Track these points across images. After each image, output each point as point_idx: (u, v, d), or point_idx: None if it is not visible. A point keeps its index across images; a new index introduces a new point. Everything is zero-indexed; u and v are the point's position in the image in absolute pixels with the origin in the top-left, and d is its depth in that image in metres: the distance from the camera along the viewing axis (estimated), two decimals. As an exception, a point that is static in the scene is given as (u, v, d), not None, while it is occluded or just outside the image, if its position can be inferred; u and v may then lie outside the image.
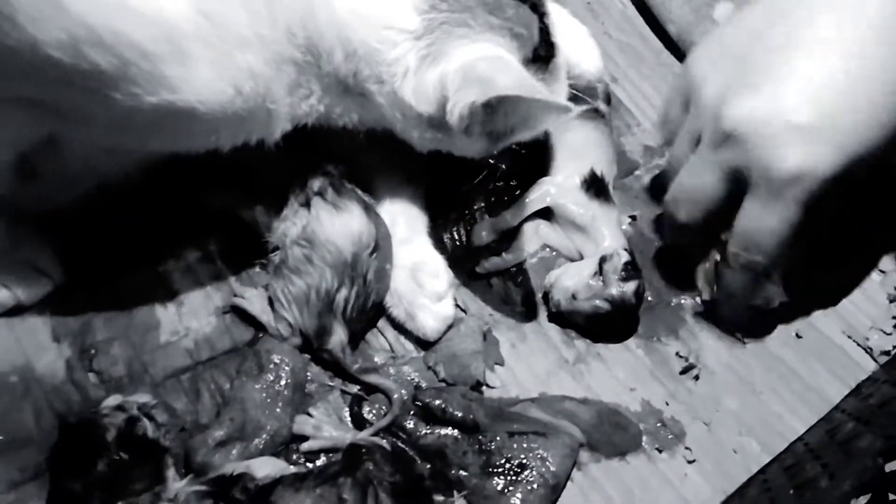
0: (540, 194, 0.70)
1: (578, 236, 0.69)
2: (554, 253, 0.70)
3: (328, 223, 0.61)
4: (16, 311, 0.62)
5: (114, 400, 0.57)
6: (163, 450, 0.56)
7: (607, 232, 0.68)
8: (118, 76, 0.48)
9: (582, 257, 0.69)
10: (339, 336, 0.61)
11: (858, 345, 0.68)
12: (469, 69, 0.53)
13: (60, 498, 0.53)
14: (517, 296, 0.68)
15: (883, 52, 0.55)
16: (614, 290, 0.64)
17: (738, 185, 0.58)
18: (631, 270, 0.65)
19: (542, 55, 0.58)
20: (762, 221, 0.58)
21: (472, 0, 0.55)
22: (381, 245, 0.62)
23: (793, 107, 0.55)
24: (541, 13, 0.59)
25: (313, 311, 0.61)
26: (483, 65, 0.53)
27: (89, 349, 0.61)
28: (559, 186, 0.70)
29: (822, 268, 0.69)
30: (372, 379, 0.62)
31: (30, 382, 0.60)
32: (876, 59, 0.55)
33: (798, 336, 0.68)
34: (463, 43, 0.54)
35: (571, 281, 0.65)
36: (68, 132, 0.55)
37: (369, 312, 0.63)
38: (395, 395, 0.61)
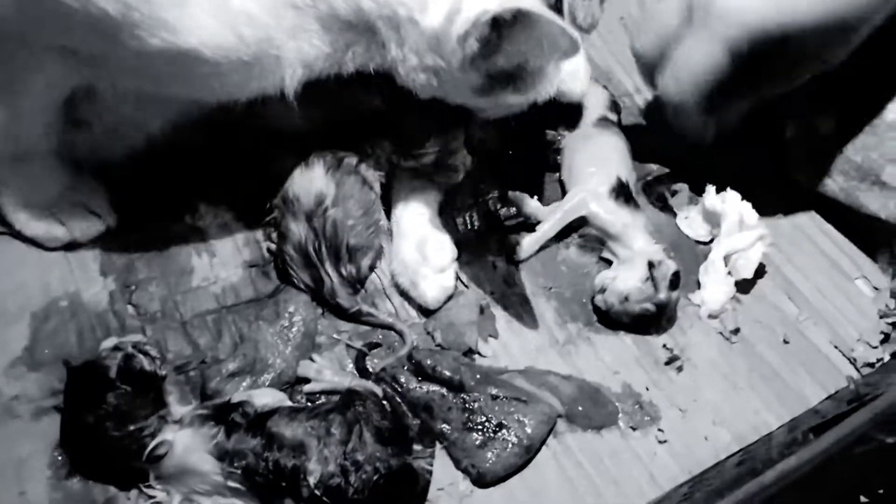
0: (577, 203, 0.73)
1: (610, 241, 0.74)
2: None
3: (297, 179, 0.68)
4: (72, 246, 0.71)
5: (110, 342, 0.63)
6: (160, 379, 0.62)
7: (639, 236, 0.72)
8: (122, 20, 0.53)
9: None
10: (327, 283, 0.68)
11: (843, 355, 0.71)
12: None
13: (76, 431, 0.60)
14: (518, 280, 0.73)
15: None
16: (663, 295, 0.69)
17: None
18: (676, 281, 0.70)
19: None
20: (689, 56, 0.65)
21: None
22: (340, 201, 0.68)
23: None
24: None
25: (301, 266, 0.68)
26: None
27: (130, 285, 0.70)
28: (593, 195, 0.73)
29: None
30: (375, 320, 0.69)
31: (77, 308, 0.68)
32: None
33: (786, 341, 0.72)
34: None
35: (624, 285, 0.70)
36: (99, 80, 0.63)
37: (347, 260, 0.69)
38: (402, 329, 0.68)
